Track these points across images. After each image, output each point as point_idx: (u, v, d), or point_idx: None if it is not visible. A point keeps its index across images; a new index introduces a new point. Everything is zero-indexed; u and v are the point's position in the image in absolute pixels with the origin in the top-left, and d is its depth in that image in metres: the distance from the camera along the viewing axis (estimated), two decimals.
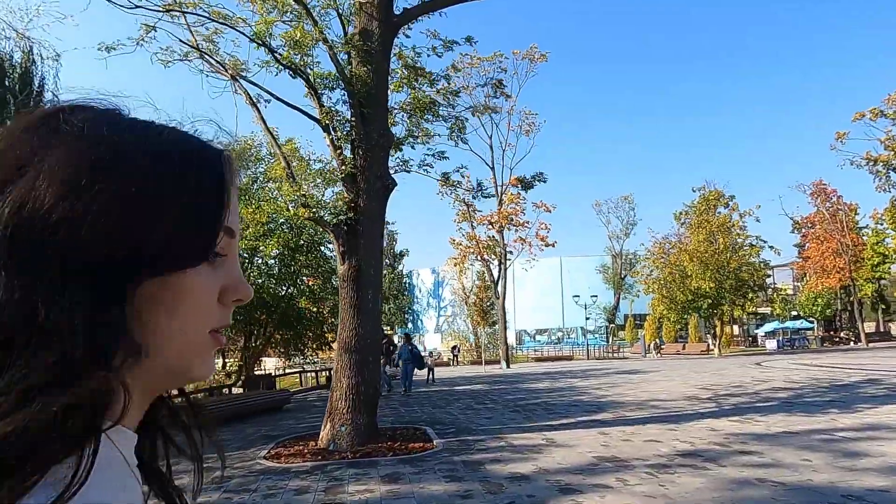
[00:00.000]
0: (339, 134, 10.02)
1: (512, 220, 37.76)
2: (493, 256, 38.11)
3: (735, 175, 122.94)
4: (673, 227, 55.00)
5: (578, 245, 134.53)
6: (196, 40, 10.53)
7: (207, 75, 10.78)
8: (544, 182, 12.54)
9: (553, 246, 37.93)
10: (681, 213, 54.09)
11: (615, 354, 51.44)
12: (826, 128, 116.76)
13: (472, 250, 37.98)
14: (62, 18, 17.02)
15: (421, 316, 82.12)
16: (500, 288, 37.48)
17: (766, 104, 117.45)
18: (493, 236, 38.17)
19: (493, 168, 38.75)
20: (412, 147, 11.86)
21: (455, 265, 39.61)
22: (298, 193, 9.89)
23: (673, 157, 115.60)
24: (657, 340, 58.79)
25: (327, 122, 9.87)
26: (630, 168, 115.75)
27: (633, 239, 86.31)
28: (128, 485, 0.46)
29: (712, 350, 46.56)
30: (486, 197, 10.84)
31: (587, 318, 51.68)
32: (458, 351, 41.28)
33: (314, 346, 22.47)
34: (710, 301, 44.44)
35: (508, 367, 34.74)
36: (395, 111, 11.63)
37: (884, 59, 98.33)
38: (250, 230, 17.60)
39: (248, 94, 10.36)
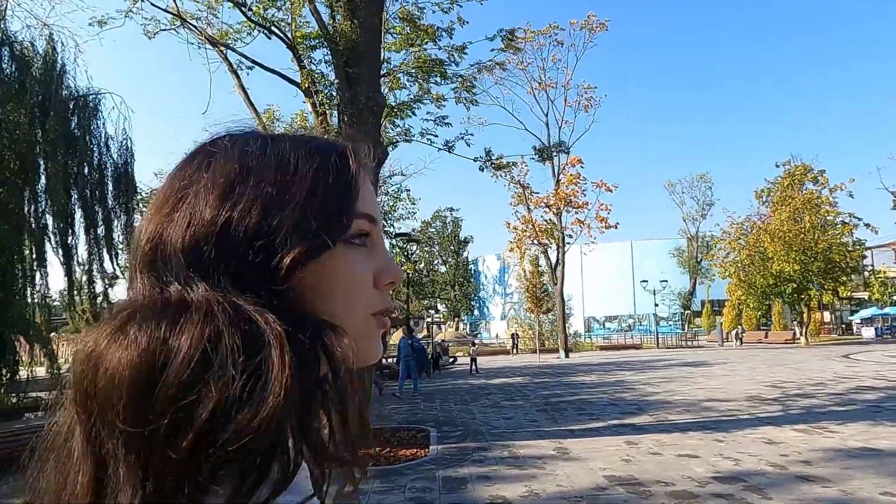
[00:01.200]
0: (321, 98, 8.84)
1: (570, 201, 35.55)
2: (552, 240, 36.15)
3: (825, 147, 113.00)
4: (752, 206, 50.68)
5: (650, 228, 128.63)
6: (178, 7, 9.67)
7: (192, 44, 9.89)
8: (566, 153, 10.73)
9: (615, 227, 35.43)
10: (762, 191, 49.56)
11: (689, 343, 48.11)
12: None
13: (528, 234, 36.13)
14: (82, 5, 16.72)
15: (487, 303, 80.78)
16: (557, 273, 35.51)
17: (858, 59, 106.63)
18: (551, 219, 36.17)
19: (549, 147, 36.60)
20: (412, 113, 10.43)
21: (511, 250, 37.86)
22: None
23: (752, 131, 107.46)
24: (738, 328, 54.64)
25: (308, 84, 8.70)
26: (704, 144, 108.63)
27: (710, 220, 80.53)
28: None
29: (798, 339, 42.42)
30: (498, 168, 9.32)
31: (656, 305, 48.49)
32: (518, 339, 39.60)
33: None
34: (794, 285, 40.41)
35: (567, 356, 32.86)
36: (399, 73, 10.31)
37: None
38: None
39: (229, 61, 9.37)
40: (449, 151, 9.61)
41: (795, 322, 47.62)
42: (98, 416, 0.41)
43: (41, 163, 12.46)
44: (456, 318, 79.04)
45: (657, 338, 46.09)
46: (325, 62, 9.25)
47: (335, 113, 8.90)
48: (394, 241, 22.94)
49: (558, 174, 36.18)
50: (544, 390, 14.55)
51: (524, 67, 37.15)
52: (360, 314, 0.50)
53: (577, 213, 35.93)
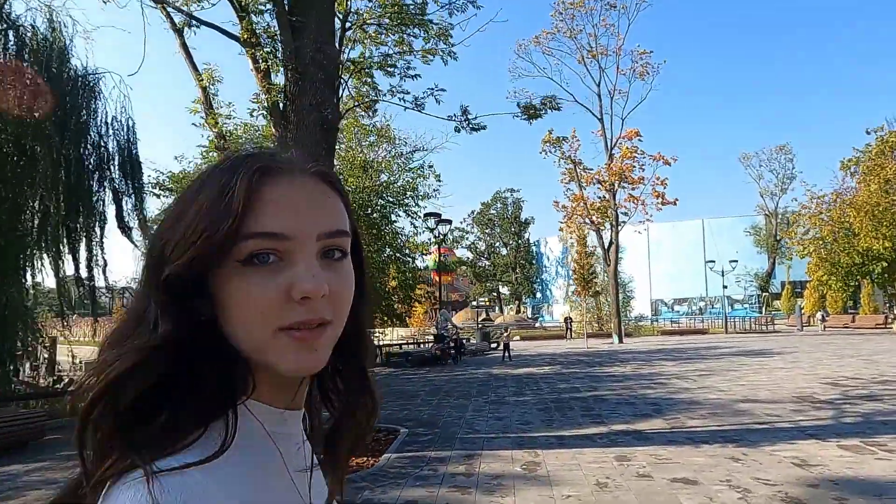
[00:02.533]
0: (263, 53, 7.68)
1: (625, 176, 32.97)
2: (606, 219, 33.79)
3: None
4: (837, 178, 45.81)
5: (724, 205, 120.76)
6: None
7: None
8: (557, 110, 9.04)
9: (674, 204, 32.55)
10: (850, 161, 44.27)
11: (765, 328, 44.27)
12: None
13: (579, 212, 33.93)
14: None
15: (550, 286, 78.43)
16: (611, 254, 33.20)
17: None
18: (605, 196, 33.77)
19: (601, 119, 34.16)
20: (387, 71, 9.00)
21: (560, 230, 35.78)
22: (216, 130, 7.76)
23: (835, 95, 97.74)
24: (822, 311, 49.85)
25: (247, 35, 7.55)
26: (781, 113, 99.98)
27: (791, 196, 74.21)
28: (262, 447, 0.56)
29: (891, 324, 37.93)
30: (474, 129, 7.89)
31: (725, 287, 44.86)
32: (572, 323, 37.53)
33: None
34: (884, 264, 36.06)
35: (622, 341, 30.72)
36: (367, 24, 8.96)
37: None
38: None
39: (172, 20, 8.39)
40: (418, 110, 8.23)
41: (887, 305, 42.72)
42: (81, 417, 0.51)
43: (44, 143, 12.10)
44: (517, 301, 77.28)
45: (725, 322, 42.64)
46: (269, 12, 8.07)
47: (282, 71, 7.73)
48: (422, 222, 21.76)
49: (612, 148, 33.70)
50: (563, 383, 12.99)
51: (574, 35, 34.72)
52: (260, 331, 0.52)
53: (632, 188, 33.33)
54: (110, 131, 13.55)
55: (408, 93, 8.64)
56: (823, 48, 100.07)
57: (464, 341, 21.40)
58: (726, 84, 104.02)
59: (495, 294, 79.90)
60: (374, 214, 19.38)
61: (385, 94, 8.86)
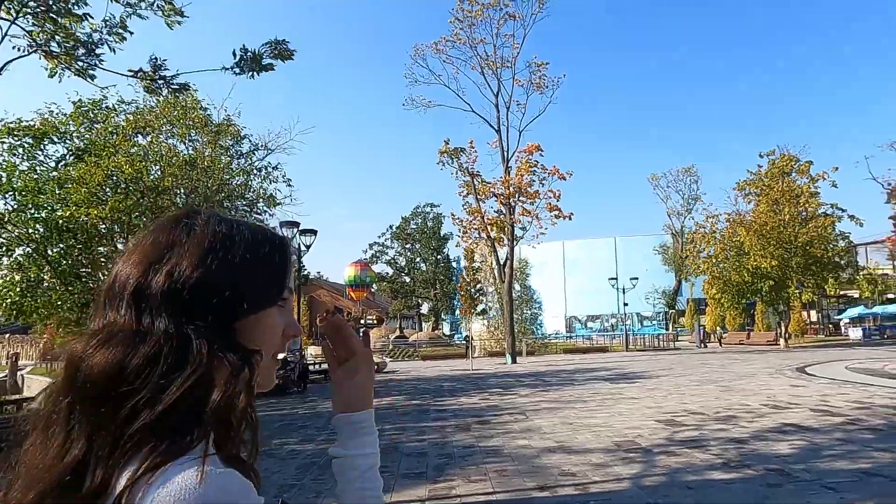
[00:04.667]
0: None
1: (523, 191, 31.70)
2: (503, 234, 32.38)
3: (811, 137, 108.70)
4: (731, 199, 46.69)
5: (637, 224, 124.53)
6: None
7: None
8: (290, 59, 6.97)
9: (569, 218, 31.55)
10: (744, 183, 45.07)
11: (669, 344, 44.26)
12: None
13: (475, 227, 32.40)
14: None
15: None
16: (506, 270, 31.79)
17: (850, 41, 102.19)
18: (501, 210, 32.39)
19: (498, 130, 32.90)
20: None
21: (456, 245, 34.19)
22: None
23: (738, 121, 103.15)
24: (717, 329, 50.70)
25: None
26: (690, 134, 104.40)
27: (697, 215, 76.41)
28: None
29: (779, 341, 38.58)
30: (176, 91, 5.74)
31: (625, 304, 44.63)
32: (470, 341, 35.77)
33: None
34: (772, 282, 36.51)
35: (514, 361, 29.17)
36: None
37: None
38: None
39: None
40: (76, 63, 5.97)
41: (777, 322, 43.74)
42: (79, 397, 0.60)
43: None
44: (433, 318, 75.28)
45: (626, 340, 42.31)
46: None
47: None
48: (284, 231, 19.32)
49: (508, 160, 32.47)
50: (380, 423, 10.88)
51: (474, 44, 33.43)
52: (269, 354, 0.72)
53: (530, 202, 32.12)
54: None
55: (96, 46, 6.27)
56: (733, 84, 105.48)
57: (310, 367, 18.97)
58: (639, 106, 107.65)
59: (416, 311, 77.77)
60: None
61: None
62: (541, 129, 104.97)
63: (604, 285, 68.82)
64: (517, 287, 62.71)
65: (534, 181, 32.05)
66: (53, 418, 0.60)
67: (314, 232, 21.12)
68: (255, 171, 18.04)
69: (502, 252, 32.80)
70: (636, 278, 42.98)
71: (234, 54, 6.39)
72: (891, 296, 50.23)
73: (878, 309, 45.02)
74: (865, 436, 7.58)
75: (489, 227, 32.03)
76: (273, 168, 18.52)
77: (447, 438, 8.86)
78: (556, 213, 30.82)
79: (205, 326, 0.63)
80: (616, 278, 43.96)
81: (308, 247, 21.15)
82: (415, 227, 77.94)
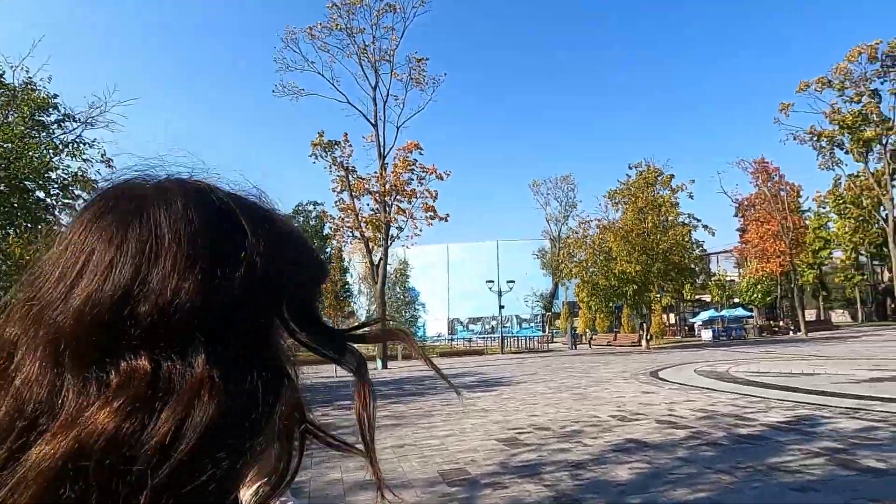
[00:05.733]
0: None
1: (399, 189, 30.42)
2: (378, 233, 30.87)
3: (674, 153, 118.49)
4: (601, 207, 48.57)
5: (518, 229, 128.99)
6: None
7: None
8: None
9: (445, 220, 30.74)
10: (615, 192, 47.08)
11: (544, 346, 45.10)
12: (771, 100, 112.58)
13: (348, 224, 30.62)
14: None
15: (355, 302, 74.32)
16: (380, 270, 30.32)
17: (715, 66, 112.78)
18: (376, 209, 30.87)
19: (375, 125, 31.37)
20: None
21: (327, 241, 32.24)
22: None
23: (613, 134, 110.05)
24: (588, 331, 52.76)
25: None
26: (571, 143, 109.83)
27: (573, 222, 79.72)
28: None
29: (640, 343, 40.54)
30: None
31: (501, 307, 44.87)
32: None
33: None
34: (635, 286, 38.22)
35: (385, 367, 27.75)
36: None
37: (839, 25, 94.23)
38: None
39: None
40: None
41: (640, 325, 46.13)
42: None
43: None
44: None
45: (502, 342, 42.51)
46: None
47: None
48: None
49: (385, 156, 31.05)
50: None
51: (353, 33, 31.64)
52: None
53: (407, 200, 30.92)
54: None
55: None
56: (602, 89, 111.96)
57: None
58: (519, 113, 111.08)
59: None
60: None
61: None
62: (431, 131, 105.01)
63: (486, 288, 69.53)
64: (397, 289, 61.64)
65: (412, 179, 30.95)
66: None
67: None
68: (61, 147, 14.96)
69: (378, 253, 31.29)
70: (513, 281, 43.27)
71: None
72: (737, 300, 55.12)
73: (725, 312, 48.89)
74: (707, 453, 6.91)
75: (364, 226, 30.39)
76: (87, 144, 15.52)
77: None
78: (431, 213, 29.83)
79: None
80: (493, 281, 43.98)
81: None
82: (297, 225, 74.04)
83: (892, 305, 56.42)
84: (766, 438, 7.53)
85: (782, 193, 48.41)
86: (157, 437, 0.39)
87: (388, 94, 31.10)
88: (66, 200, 15.01)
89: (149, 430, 0.39)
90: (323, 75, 30.65)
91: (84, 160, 15.38)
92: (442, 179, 30.56)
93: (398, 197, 30.64)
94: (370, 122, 31.37)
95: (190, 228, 0.44)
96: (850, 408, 9.35)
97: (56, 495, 0.37)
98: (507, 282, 43.04)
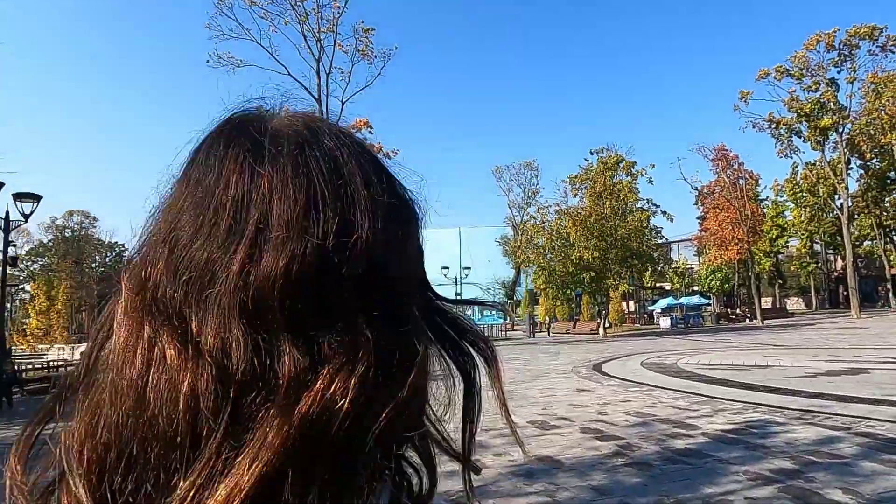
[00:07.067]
0: None
1: None
2: None
3: (636, 138, 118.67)
4: (560, 191, 47.25)
5: (482, 215, 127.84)
6: None
7: None
8: None
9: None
10: (575, 177, 45.65)
11: (503, 334, 43.84)
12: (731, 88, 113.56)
13: None
14: None
15: None
16: None
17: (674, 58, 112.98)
18: None
19: (318, 99, 29.19)
20: None
21: None
22: None
23: (576, 119, 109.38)
24: (547, 318, 51.77)
25: None
26: (531, 126, 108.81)
27: (534, 209, 78.67)
28: None
29: (598, 331, 39.60)
30: None
31: (458, 295, 43.27)
32: None
33: None
34: (593, 274, 37.09)
35: None
36: None
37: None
38: None
39: None
40: None
41: (598, 312, 45.27)
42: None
43: None
44: None
45: None
46: None
47: None
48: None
49: None
50: None
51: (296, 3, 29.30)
52: None
53: None
54: None
55: None
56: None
57: (17, 374, 14.22)
58: (488, 94, 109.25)
59: None
60: None
61: None
62: (368, 102, 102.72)
63: (447, 275, 67.83)
64: None
65: None
66: None
67: (37, 197, 16.06)
68: None
69: None
70: (468, 268, 41.77)
71: None
72: (696, 288, 54.84)
73: (684, 300, 48.40)
74: (629, 480, 5.34)
75: None
76: None
77: None
78: None
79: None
80: (448, 268, 42.35)
81: (27, 216, 16.08)
82: None
83: (845, 293, 56.98)
84: (706, 456, 6.02)
85: (741, 182, 47.97)
86: (389, 409, 0.37)
87: (331, 67, 28.95)
88: None
89: (378, 403, 0.36)
90: (260, 43, 28.28)
91: None
92: (389, 158, 28.50)
93: None
94: (313, 97, 29.13)
95: (371, 170, 0.39)
96: (807, 410, 7.97)
97: (288, 465, 0.34)
98: (463, 268, 41.53)
